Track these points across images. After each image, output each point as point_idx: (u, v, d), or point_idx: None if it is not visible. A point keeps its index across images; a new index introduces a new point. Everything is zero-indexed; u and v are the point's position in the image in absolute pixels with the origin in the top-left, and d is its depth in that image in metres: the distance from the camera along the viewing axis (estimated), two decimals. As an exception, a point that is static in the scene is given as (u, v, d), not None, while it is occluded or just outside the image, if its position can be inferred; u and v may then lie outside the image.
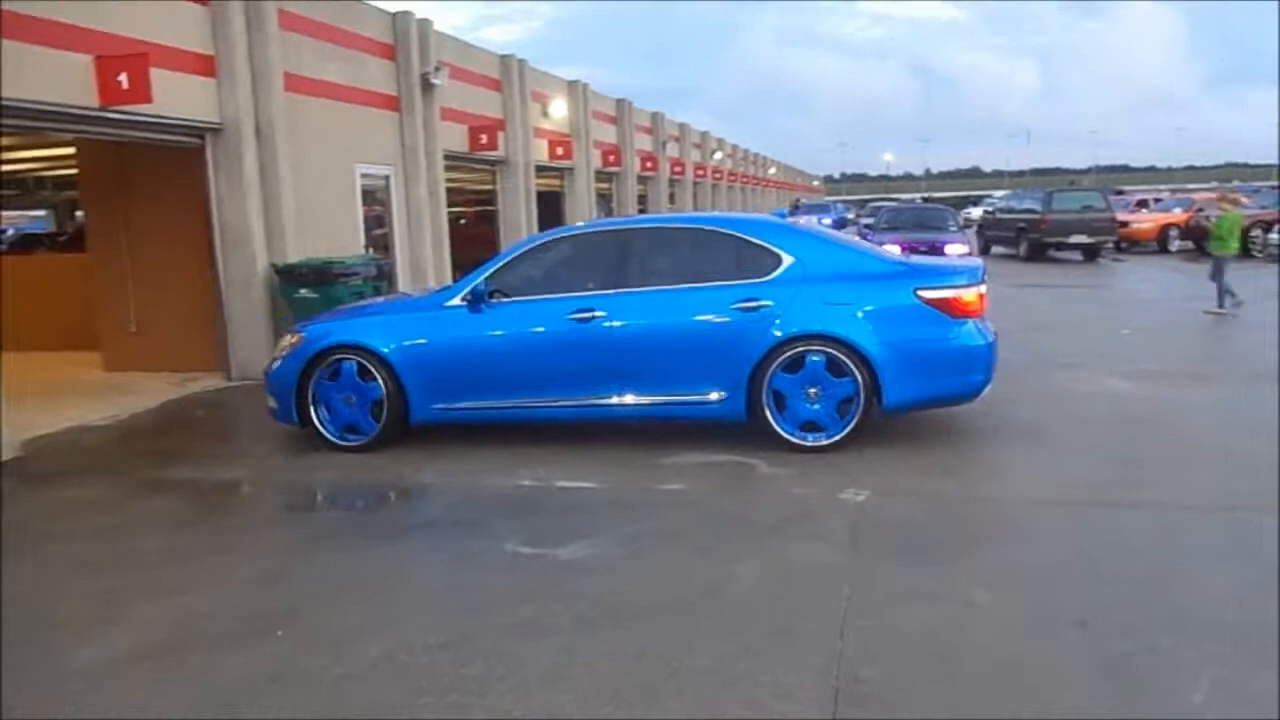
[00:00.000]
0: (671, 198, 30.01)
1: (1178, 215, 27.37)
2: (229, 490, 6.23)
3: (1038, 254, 22.31)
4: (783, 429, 6.19)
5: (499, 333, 6.56)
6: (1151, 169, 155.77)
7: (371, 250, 12.04)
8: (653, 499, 5.51)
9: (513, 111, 16.74)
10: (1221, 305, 12.05)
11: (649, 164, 26.65)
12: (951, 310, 6.18)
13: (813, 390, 6.15)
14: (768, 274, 6.32)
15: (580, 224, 8.26)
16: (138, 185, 10.05)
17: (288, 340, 6.91)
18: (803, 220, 35.50)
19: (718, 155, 37.02)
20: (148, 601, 4.27)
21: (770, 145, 68.12)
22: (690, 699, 3.25)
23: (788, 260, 6.35)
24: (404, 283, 13.02)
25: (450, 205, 15.14)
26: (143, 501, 5.86)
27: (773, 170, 56.11)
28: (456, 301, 6.60)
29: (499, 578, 4.43)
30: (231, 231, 9.74)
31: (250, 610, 4.15)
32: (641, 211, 26.60)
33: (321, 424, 6.67)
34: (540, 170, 18.46)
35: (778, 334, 6.14)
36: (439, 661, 3.57)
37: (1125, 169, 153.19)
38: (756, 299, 6.21)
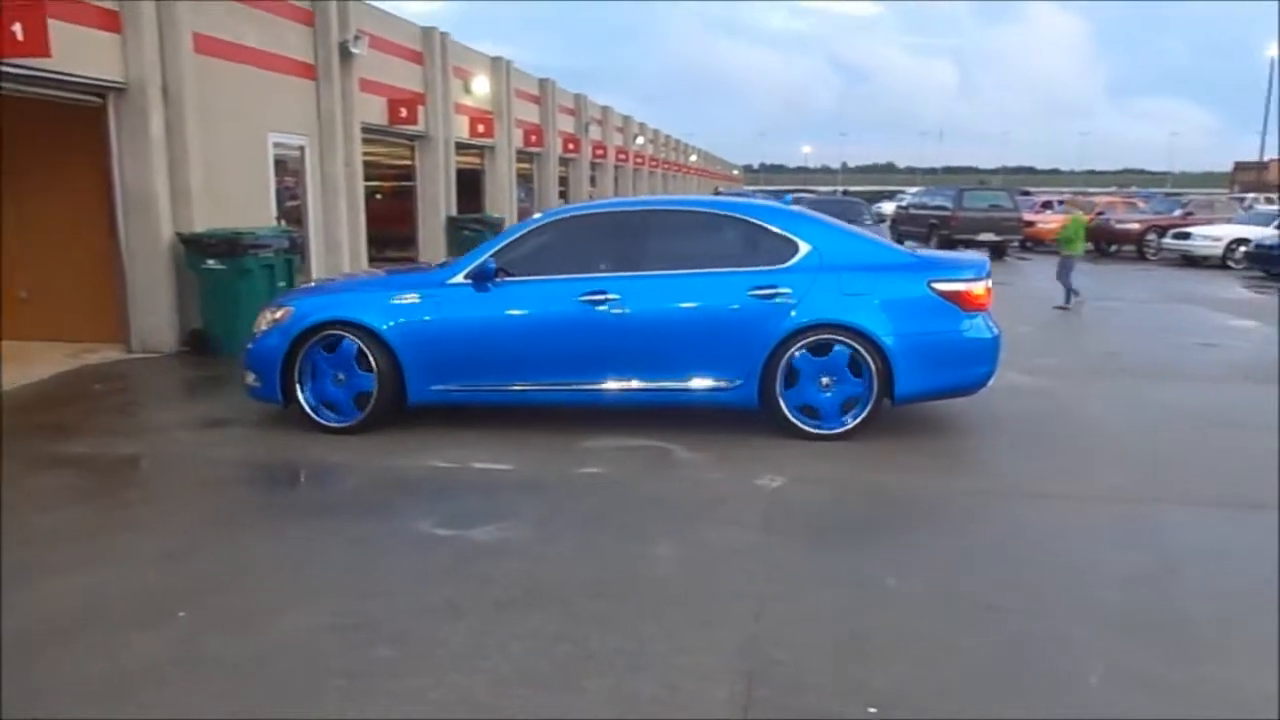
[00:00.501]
0: (593, 180, 29.90)
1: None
2: (129, 466, 5.99)
3: (947, 250, 22.93)
4: (794, 417, 6.19)
5: (505, 313, 6.35)
6: (1055, 171, 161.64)
7: (284, 222, 11.68)
8: (570, 482, 5.49)
9: (434, 85, 16.42)
10: (1067, 302, 13.24)
11: (571, 146, 26.48)
12: (962, 303, 6.25)
13: (825, 379, 6.18)
14: (784, 261, 6.29)
15: (587, 203, 7.99)
16: (25, 143, 9.49)
17: (271, 314, 6.57)
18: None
19: (640, 140, 36.99)
20: (43, 581, 4.08)
21: (692, 132, 68.49)
22: (606, 681, 3.25)
23: (805, 248, 6.32)
24: (317, 257, 12.69)
25: (367, 180, 14.78)
26: (36, 478, 5.58)
27: (694, 157, 56.32)
28: (460, 279, 6.39)
29: (411, 559, 4.36)
30: (134, 197, 9.34)
31: (151, 590, 4.00)
32: (562, 195, 26.46)
33: (306, 403, 6.38)
34: (461, 147, 18.17)
35: (794, 322, 6.12)
36: (348, 644, 3.50)
37: (1031, 170, 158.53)
38: (774, 286, 6.18)
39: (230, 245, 9.30)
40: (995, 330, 6.36)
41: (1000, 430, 6.62)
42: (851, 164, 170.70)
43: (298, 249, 10.72)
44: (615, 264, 6.39)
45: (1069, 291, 13.29)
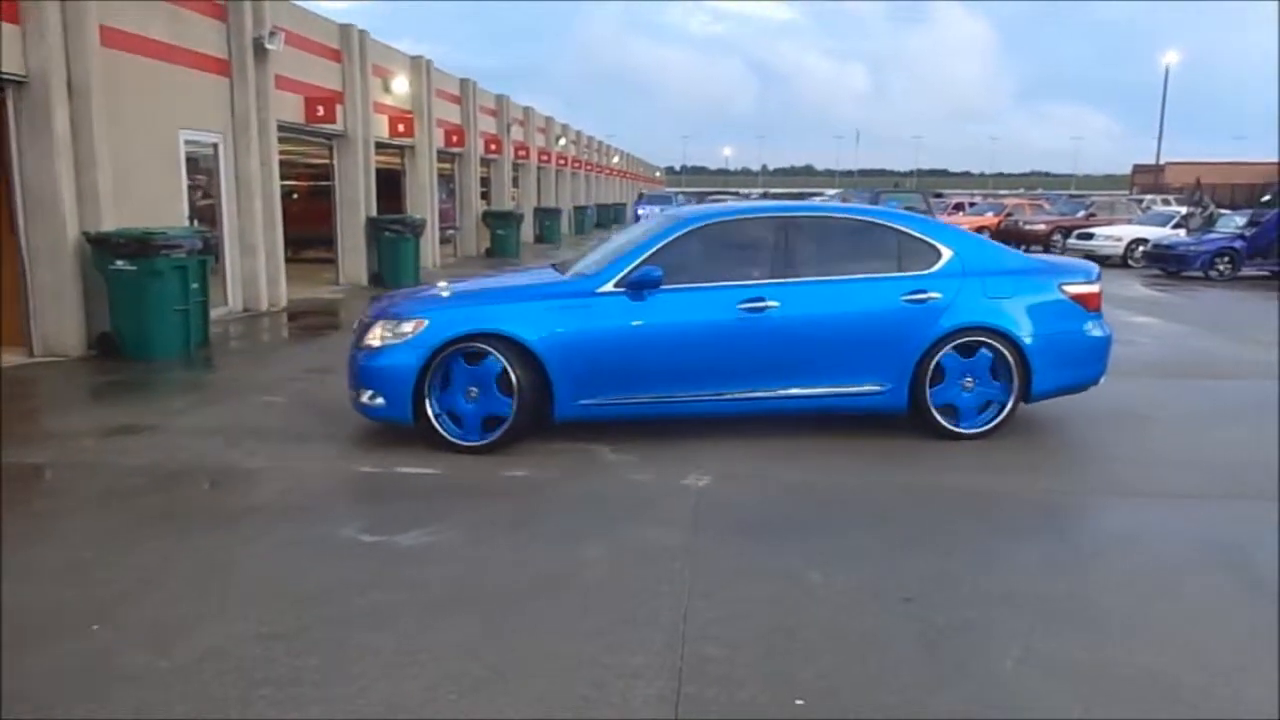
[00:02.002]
0: (515, 182, 29.72)
1: (990, 219, 29.39)
2: (35, 476, 5.76)
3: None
4: (942, 419, 6.35)
5: (665, 322, 6.14)
6: (967, 174, 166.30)
7: (197, 222, 11.36)
8: (497, 485, 5.46)
9: (352, 84, 16.13)
10: None
11: (493, 147, 26.28)
12: (1087, 305, 6.60)
13: (968, 380, 6.38)
14: (930, 267, 6.43)
15: (729, 206, 7.64)
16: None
17: (394, 327, 6.04)
18: (642, 211, 35.99)
19: (562, 141, 36.89)
20: (-61, 597, 3.90)
21: (614, 133, 68.56)
22: (537, 683, 3.25)
23: (947, 253, 6.48)
24: (231, 258, 12.36)
25: (285, 179, 14.46)
26: (-69, 488, 5.33)
27: (616, 159, 56.40)
28: (610, 288, 6.15)
29: (337, 566, 4.28)
30: (36, 196, 8.98)
31: (61, 603, 3.86)
32: (484, 196, 26.26)
33: (436, 420, 6.02)
34: (381, 147, 17.88)
35: (944, 326, 6.28)
36: (274, 654, 3.43)
37: (944, 173, 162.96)
38: (925, 290, 6.32)
39: (141, 246, 9.00)
40: (1109, 330, 6.73)
41: (908, 426, 6.78)
42: (771, 166, 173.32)
43: (211, 250, 10.44)
44: (767, 271, 6.35)
45: None
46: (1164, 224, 25.50)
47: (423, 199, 19.65)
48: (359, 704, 3.11)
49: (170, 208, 10.85)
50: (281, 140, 13.79)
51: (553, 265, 7.56)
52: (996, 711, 3.11)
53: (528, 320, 5.99)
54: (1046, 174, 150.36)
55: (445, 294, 6.59)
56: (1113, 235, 23.62)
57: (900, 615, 3.81)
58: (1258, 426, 6.86)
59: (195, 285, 9.73)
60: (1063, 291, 6.57)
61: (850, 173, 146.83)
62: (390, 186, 19.20)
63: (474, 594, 3.96)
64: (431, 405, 6.00)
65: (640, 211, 38.02)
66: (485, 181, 26.70)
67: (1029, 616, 3.79)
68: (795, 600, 3.94)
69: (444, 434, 6.00)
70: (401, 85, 18.56)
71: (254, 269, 12.64)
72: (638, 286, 6.11)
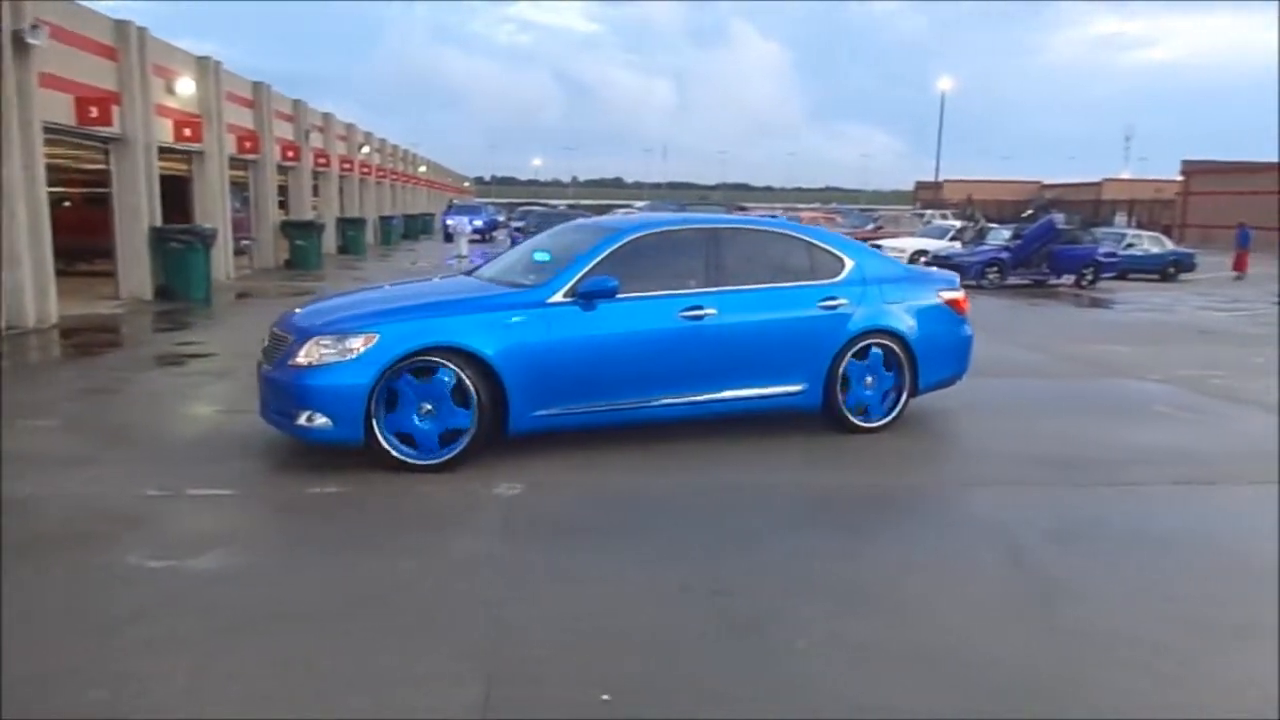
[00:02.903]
0: (315, 190, 28.61)
1: (788, 231, 30.63)
2: None
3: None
4: (852, 416, 6.86)
5: (613, 332, 6.19)
6: (769, 188, 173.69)
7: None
8: (303, 503, 5.28)
9: (131, 84, 15.05)
10: None
11: (291, 154, 25.18)
12: (958, 308, 7.41)
13: (869, 379, 6.94)
14: (836, 276, 6.95)
15: (660, 217, 7.76)
16: None
17: (337, 342, 5.66)
18: (451, 222, 35.47)
19: (365, 149, 35.83)
20: None
21: (421, 142, 67.17)
22: (342, 700, 3.19)
23: (850, 264, 7.05)
24: (-7, 271, 11.28)
25: (55, 186, 13.34)
26: None
27: (423, 168, 55.30)
28: (560, 298, 6.10)
29: (123, 594, 4.03)
30: None
31: None
32: (282, 204, 25.14)
33: (386, 440, 5.68)
34: (166, 152, 16.79)
35: (851, 330, 6.81)
36: (58, 689, 3.20)
37: (748, 187, 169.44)
38: (835, 297, 6.83)
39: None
40: (971, 331, 7.50)
41: (720, 429, 7.04)
42: (582, 178, 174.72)
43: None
44: (701, 280, 6.56)
45: None
46: (942, 236, 27.68)
47: (214, 207, 18.60)
48: (150, 736, 2.95)
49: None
50: (50, 143, 12.74)
51: (464, 272, 7.58)
52: (790, 691, 3.31)
53: (483, 332, 5.86)
54: (840, 189, 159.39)
55: (384, 306, 6.25)
56: (898, 247, 25.29)
57: (708, 609, 3.98)
58: (1031, 420, 7.59)
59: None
60: (940, 297, 7.34)
61: (659, 185, 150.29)
62: (178, 194, 18.07)
63: (274, 613, 3.83)
64: (380, 424, 5.69)
65: (449, 222, 37.46)
66: (283, 190, 25.56)
67: (828, 603, 4.05)
68: (608, 599, 4.04)
69: (395, 454, 5.73)
70: (187, 87, 17.52)
71: (18, 282, 11.59)
72: (591, 296, 6.14)
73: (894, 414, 7.05)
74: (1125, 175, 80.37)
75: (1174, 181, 56.87)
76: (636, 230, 6.71)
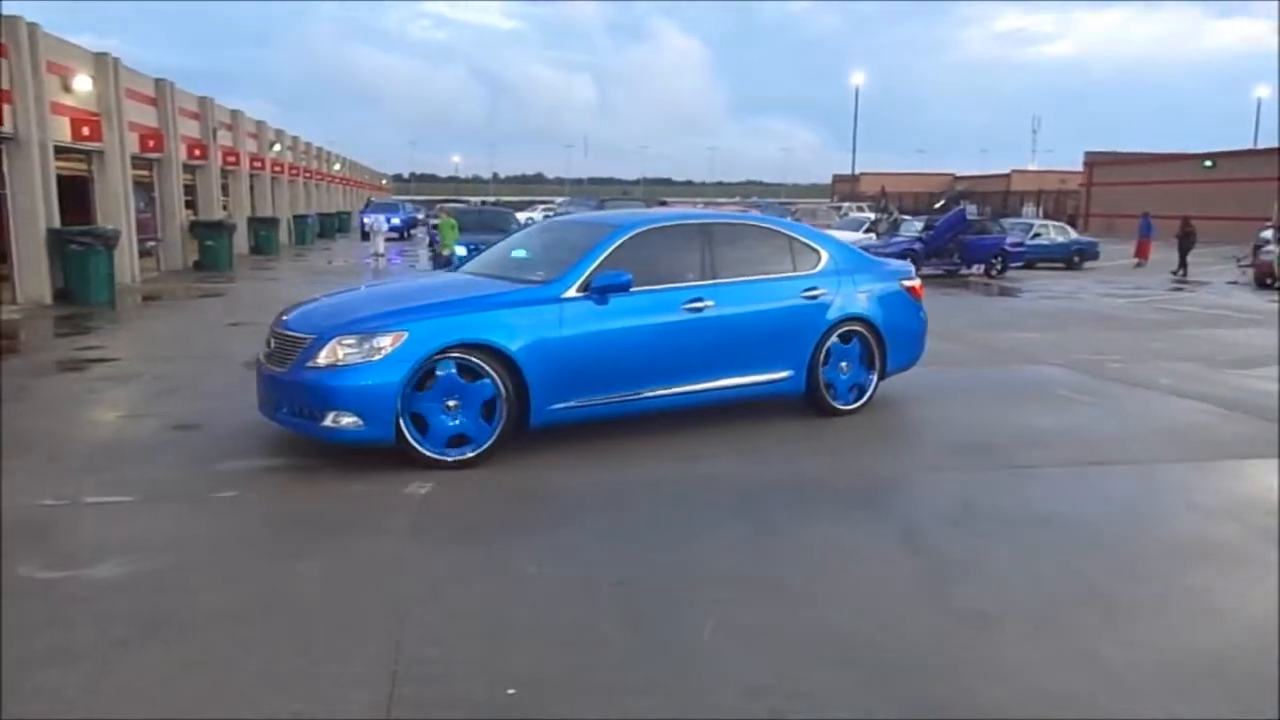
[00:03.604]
0: (225, 189, 27.85)
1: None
2: None
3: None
4: (830, 399, 7.24)
5: (624, 324, 6.33)
6: (690, 183, 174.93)
7: None
8: (203, 509, 5.16)
9: (22, 82, 14.45)
10: None
11: (198, 152, 24.46)
12: (916, 295, 7.89)
13: (844, 364, 7.34)
14: (815, 267, 7.33)
15: (656, 212, 8.18)
16: None
17: (364, 342, 5.63)
18: (368, 220, 34.88)
19: (276, 147, 34.98)
20: None
21: (336, 140, 65.60)
22: (243, 702, 3.15)
23: (825, 255, 7.45)
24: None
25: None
26: None
27: (338, 166, 54.22)
28: (574, 293, 6.21)
29: (12, 606, 3.88)
30: None
31: None
32: (189, 204, 24.42)
33: (412, 438, 5.70)
34: (63, 152, 16.17)
35: (830, 318, 7.20)
36: (-68, 710, 3.08)
37: (669, 182, 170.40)
38: (816, 288, 7.19)
39: None
40: (925, 316, 8.01)
41: (616, 427, 7.09)
42: (502, 174, 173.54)
43: None
44: (698, 273, 6.78)
45: None
46: (858, 229, 28.16)
47: (116, 208, 17.96)
48: (37, 751, 2.87)
49: None
50: (-65, 143, 12.14)
51: (465, 270, 7.61)
52: (693, 678, 3.37)
53: (505, 328, 5.92)
54: (760, 183, 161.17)
55: (404, 304, 6.11)
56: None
57: (610, 600, 4.02)
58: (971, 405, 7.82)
59: None
60: (902, 285, 7.80)
61: (580, 180, 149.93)
62: (78, 195, 17.41)
63: (174, 621, 3.75)
64: (406, 422, 5.69)
65: (366, 220, 36.80)
66: (191, 190, 24.80)
67: (724, 590, 4.12)
68: (512, 594, 4.05)
69: (426, 452, 5.75)
70: (84, 84, 16.88)
71: (-95, 289, 11.05)
72: (604, 291, 6.24)
73: (867, 397, 7.46)
74: (1033, 167, 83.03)
75: (1078, 173, 58.96)
76: (636, 226, 6.82)
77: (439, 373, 5.75)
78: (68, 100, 16.43)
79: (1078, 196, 56.43)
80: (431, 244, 22.52)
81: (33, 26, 14.84)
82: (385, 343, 5.66)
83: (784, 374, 7.07)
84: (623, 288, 6.27)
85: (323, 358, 5.70)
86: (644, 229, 6.81)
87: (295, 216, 35.87)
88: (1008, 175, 73.01)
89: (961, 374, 9.48)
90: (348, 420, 5.62)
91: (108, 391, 8.46)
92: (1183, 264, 24.33)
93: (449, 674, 3.36)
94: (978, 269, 23.25)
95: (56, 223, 15.17)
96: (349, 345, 5.69)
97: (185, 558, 4.46)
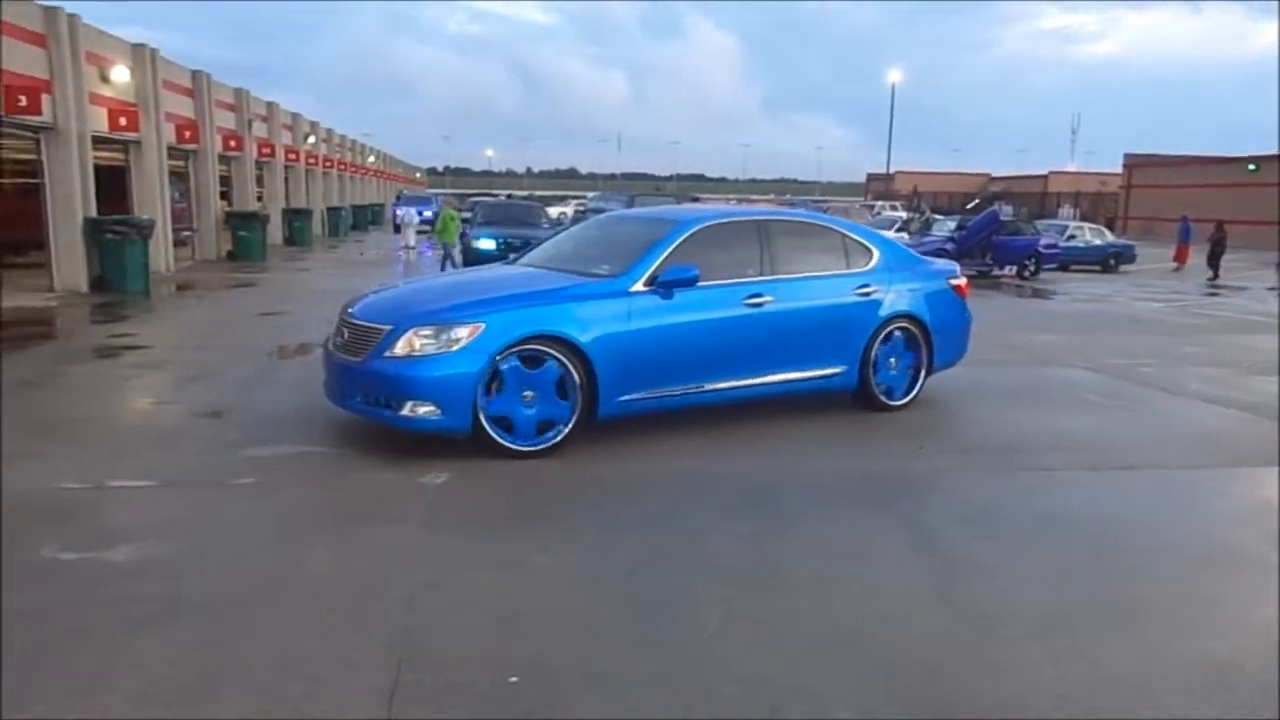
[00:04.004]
0: (260, 181, 28.20)
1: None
2: None
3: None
4: (879, 395, 7.29)
5: (688, 318, 6.41)
6: (723, 179, 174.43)
7: None
8: (223, 495, 5.25)
9: (62, 72, 14.73)
10: None
11: (233, 143, 24.78)
12: (962, 293, 7.96)
13: (894, 361, 7.42)
14: (868, 264, 7.41)
15: (713, 209, 8.15)
16: None
17: (441, 332, 5.73)
18: (400, 212, 35.15)
19: (311, 139, 35.34)
20: None
21: (372, 132, 66.27)
22: (251, 685, 3.20)
23: (877, 253, 7.53)
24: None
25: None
26: None
27: (372, 159, 54.68)
28: (641, 287, 6.31)
29: (33, 587, 3.98)
30: None
31: None
32: (224, 195, 24.76)
33: (490, 428, 5.80)
34: (101, 142, 16.46)
35: (882, 315, 7.27)
36: (-49, 683, 3.16)
37: (702, 178, 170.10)
38: (869, 285, 7.28)
39: None
40: (970, 314, 8.07)
41: (646, 422, 7.10)
42: (536, 169, 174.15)
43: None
44: (757, 269, 6.87)
45: None
46: (890, 228, 27.96)
47: (152, 198, 18.25)
48: (50, 726, 2.94)
49: None
50: (-23, 132, 12.40)
51: (521, 263, 7.62)
52: (699, 669, 3.38)
53: (576, 320, 6.01)
54: (794, 180, 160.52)
55: (479, 296, 6.20)
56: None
57: (617, 590, 4.04)
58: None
59: None
60: (948, 283, 7.87)
61: (613, 176, 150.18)
62: (115, 185, 17.70)
63: (188, 604, 3.82)
64: (484, 412, 5.79)
65: (398, 212, 37.10)
66: (226, 181, 25.16)
67: (732, 582, 4.13)
68: (522, 584, 4.08)
69: (502, 442, 5.85)
70: (122, 75, 17.17)
71: (-54, 275, 11.31)
72: (670, 285, 6.34)
73: (914, 393, 7.53)
74: (1071, 168, 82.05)
75: (1117, 174, 58.10)
76: (698, 222, 6.90)
77: (517, 364, 5.84)
78: (106, 91, 16.71)
79: (1116, 199, 55.63)
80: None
81: (73, 18, 15.10)
82: (463, 334, 5.75)
83: (837, 369, 7.14)
84: (690, 282, 6.36)
85: (400, 348, 5.77)
86: (706, 225, 6.90)
87: (329, 208, 36.25)
88: (1045, 176, 72.17)
89: (989, 375, 9.38)
90: (425, 410, 5.70)
91: (137, 378, 8.61)
92: (1213, 268, 24.02)
93: (452, 661, 3.39)
94: (1010, 270, 23.00)
95: (93, 212, 15.43)
96: (426, 336, 5.77)
97: (202, 542, 4.54)
